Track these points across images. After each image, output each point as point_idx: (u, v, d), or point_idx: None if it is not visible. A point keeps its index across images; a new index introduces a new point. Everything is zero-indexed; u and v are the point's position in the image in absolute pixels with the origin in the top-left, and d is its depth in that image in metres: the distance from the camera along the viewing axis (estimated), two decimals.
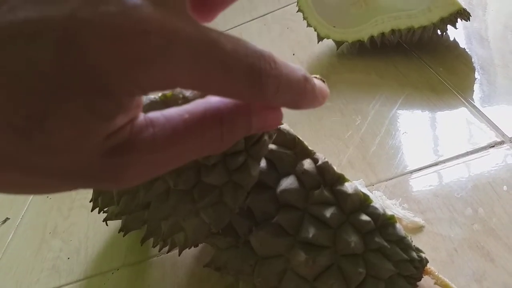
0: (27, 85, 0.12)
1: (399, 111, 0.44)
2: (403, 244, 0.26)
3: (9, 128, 0.12)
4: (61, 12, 0.12)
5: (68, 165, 0.14)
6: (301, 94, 0.17)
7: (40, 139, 0.12)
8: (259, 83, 0.15)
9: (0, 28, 0.12)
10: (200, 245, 0.37)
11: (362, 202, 0.27)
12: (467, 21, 0.46)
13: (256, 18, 0.75)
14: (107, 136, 0.14)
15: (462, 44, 0.49)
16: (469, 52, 0.48)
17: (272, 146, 0.29)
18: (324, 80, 0.23)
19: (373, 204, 0.27)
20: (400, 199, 0.35)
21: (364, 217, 0.26)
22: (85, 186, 0.15)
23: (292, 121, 0.47)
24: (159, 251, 0.34)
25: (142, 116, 0.15)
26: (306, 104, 0.18)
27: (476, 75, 0.44)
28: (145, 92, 0.14)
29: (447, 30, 0.49)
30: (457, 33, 0.50)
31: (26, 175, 0.13)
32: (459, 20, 0.46)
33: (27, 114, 0.12)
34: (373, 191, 0.36)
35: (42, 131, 0.12)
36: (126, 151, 0.14)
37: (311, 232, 0.26)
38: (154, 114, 0.15)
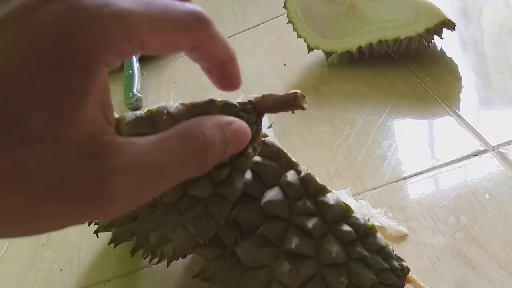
0: None
1: (386, 121, 0.45)
2: (384, 253, 0.27)
3: None
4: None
5: (53, 163, 0.14)
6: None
7: (20, 131, 0.13)
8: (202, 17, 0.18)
9: None
10: (190, 256, 0.38)
11: (344, 213, 0.27)
12: (452, 31, 0.47)
13: (248, 29, 0.76)
14: (84, 134, 0.15)
15: (450, 53, 0.50)
16: (456, 61, 0.49)
17: (257, 158, 0.30)
18: (305, 95, 0.24)
19: (354, 214, 0.27)
20: (385, 208, 0.35)
21: (346, 227, 0.27)
22: (76, 206, 0.15)
23: (282, 131, 0.48)
24: (149, 262, 0.35)
25: (123, 138, 0.16)
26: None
27: (461, 84, 0.45)
28: (111, 65, 0.15)
29: (433, 40, 0.50)
30: (444, 42, 0.51)
31: (24, 194, 0.14)
32: (449, 30, 0.47)
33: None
34: (359, 200, 0.36)
35: (21, 122, 0.13)
36: (107, 154, 0.15)
37: (294, 242, 0.26)
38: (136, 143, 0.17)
